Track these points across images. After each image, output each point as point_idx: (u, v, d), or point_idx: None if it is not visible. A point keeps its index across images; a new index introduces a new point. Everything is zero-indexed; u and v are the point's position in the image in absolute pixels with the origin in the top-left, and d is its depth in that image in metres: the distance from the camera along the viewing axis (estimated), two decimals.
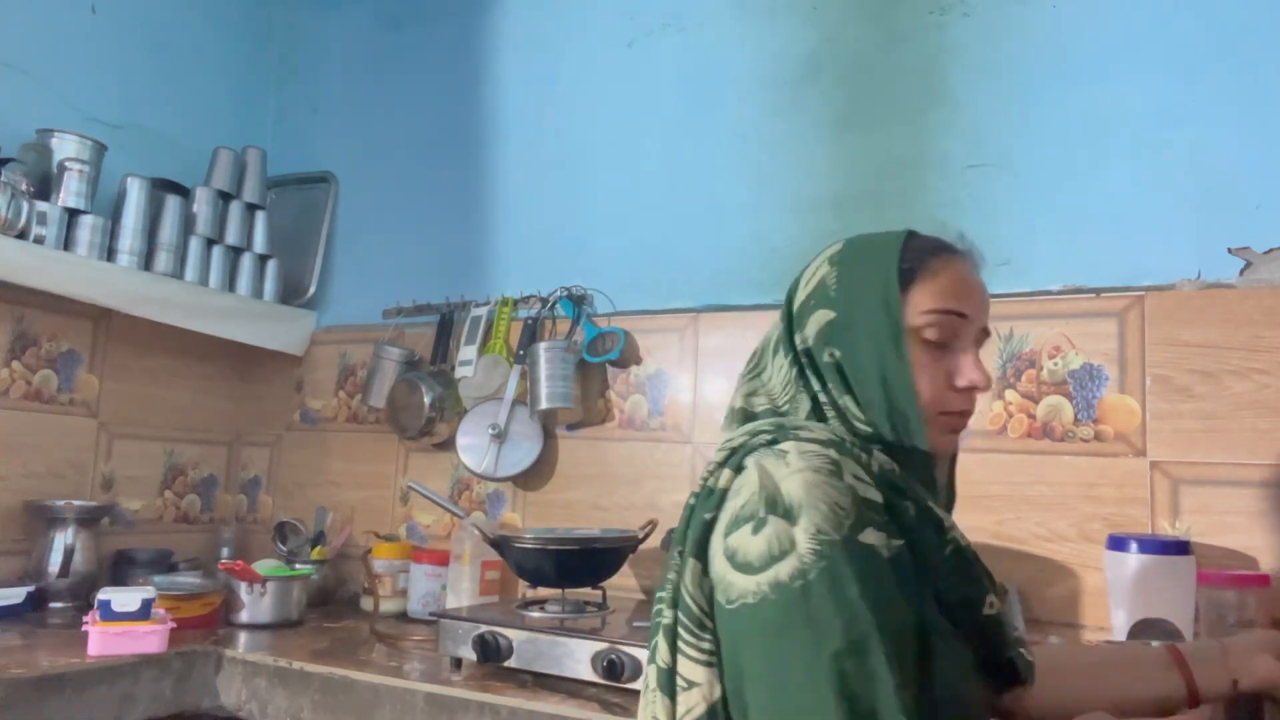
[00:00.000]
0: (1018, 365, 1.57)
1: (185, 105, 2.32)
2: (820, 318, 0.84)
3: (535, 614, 1.49)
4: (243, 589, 1.78)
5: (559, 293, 2.01)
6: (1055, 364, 1.54)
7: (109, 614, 1.49)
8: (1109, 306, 1.52)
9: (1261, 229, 1.43)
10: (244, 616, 1.77)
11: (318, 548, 2.08)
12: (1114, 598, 1.34)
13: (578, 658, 1.34)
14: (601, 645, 1.32)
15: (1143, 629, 1.29)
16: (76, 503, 1.93)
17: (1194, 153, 1.49)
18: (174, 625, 1.56)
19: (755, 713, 0.70)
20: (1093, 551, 1.46)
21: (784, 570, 0.69)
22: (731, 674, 0.73)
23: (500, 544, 1.59)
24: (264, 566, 1.84)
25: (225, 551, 2.24)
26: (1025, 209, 1.60)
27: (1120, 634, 1.32)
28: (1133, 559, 1.31)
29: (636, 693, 1.25)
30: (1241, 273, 1.44)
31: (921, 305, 0.82)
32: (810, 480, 0.72)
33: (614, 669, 1.29)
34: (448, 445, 2.07)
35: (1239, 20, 1.48)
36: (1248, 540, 1.38)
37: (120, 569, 1.98)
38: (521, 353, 1.97)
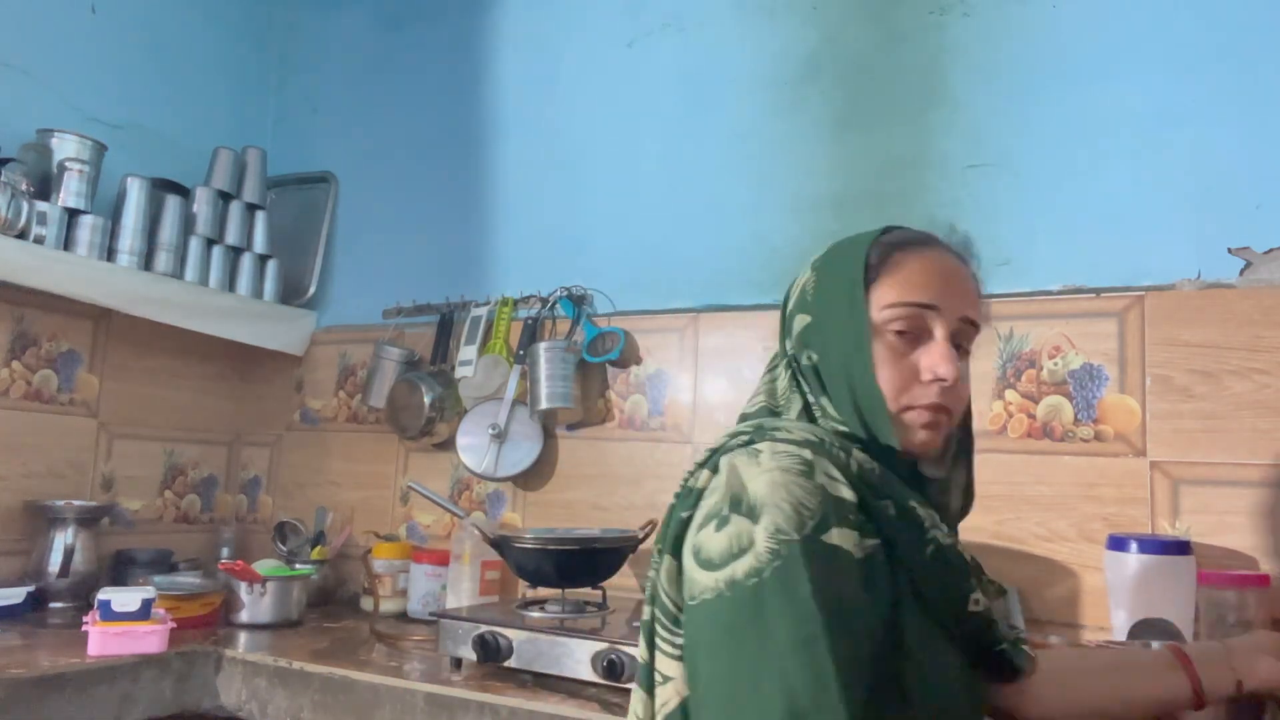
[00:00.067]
0: (1018, 365, 1.57)
1: (185, 105, 2.32)
2: (800, 322, 0.87)
3: (535, 614, 1.49)
4: (243, 589, 1.78)
5: (559, 293, 2.01)
6: (1055, 364, 1.54)
7: (109, 614, 1.49)
8: (1109, 306, 1.52)
9: (1261, 229, 1.43)
10: (244, 616, 1.77)
11: (318, 548, 2.08)
12: (1114, 598, 1.34)
13: (578, 658, 1.34)
14: (601, 645, 1.32)
15: (1143, 629, 1.29)
16: (76, 503, 1.93)
17: (1194, 153, 1.49)
18: (174, 625, 1.56)
19: (707, 706, 0.71)
20: (1093, 551, 1.46)
21: (740, 568, 0.70)
22: (690, 668, 0.74)
23: (500, 544, 1.59)
24: (264, 566, 1.84)
25: (225, 551, 2.24)
26: (1025, 209, 1.60)
27: (1120, 634, 1.32)
28: (1133, 559, 1.31)
29: None
30: (1241, 273, 1.44)
31: (884, 300, 0.82)
32: (776, 480, 0.72)
33: (614, 669, 1.29)
34: (448, 445, 2.07)
35: (1239, 20, 1.48)
36: (1248, 540, 1.38)
37: (120, 569, 1.98)
38: (521, 353, 1.97)
